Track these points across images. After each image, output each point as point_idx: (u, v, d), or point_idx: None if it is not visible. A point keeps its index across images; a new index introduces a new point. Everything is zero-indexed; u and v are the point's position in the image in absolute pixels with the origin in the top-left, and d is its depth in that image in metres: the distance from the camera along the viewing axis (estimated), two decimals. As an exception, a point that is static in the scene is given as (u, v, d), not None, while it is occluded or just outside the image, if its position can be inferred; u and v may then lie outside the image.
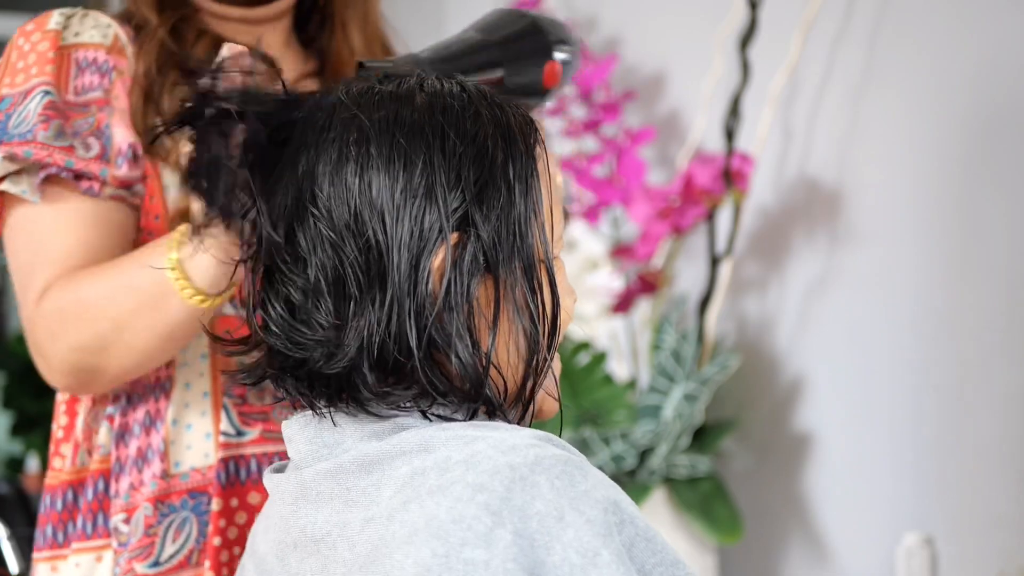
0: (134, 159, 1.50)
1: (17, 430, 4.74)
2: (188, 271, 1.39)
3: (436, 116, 1.15)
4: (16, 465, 4.86)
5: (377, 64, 1.35)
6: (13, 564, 1.86)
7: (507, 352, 1.16)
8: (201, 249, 1.34)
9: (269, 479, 1.22)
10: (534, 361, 1.16)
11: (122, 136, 1.50)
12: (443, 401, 1.15)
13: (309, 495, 1.16)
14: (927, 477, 2.47)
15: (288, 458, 1.26)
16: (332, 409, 1.17)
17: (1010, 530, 2.34)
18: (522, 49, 1.39)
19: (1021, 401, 2.34)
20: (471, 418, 1.16)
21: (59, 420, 1.58)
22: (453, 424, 1.14)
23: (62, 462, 1.56)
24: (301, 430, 1.19)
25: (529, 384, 1.17)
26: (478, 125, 1.16)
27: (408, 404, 1.15)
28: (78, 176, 1.47)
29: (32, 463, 4.69)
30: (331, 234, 1.13)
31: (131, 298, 1.42)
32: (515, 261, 1.15)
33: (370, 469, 1.13)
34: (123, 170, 1.49)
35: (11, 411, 4.76)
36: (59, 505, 1.55)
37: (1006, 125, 2.38)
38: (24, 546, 1.78)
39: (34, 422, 4.66)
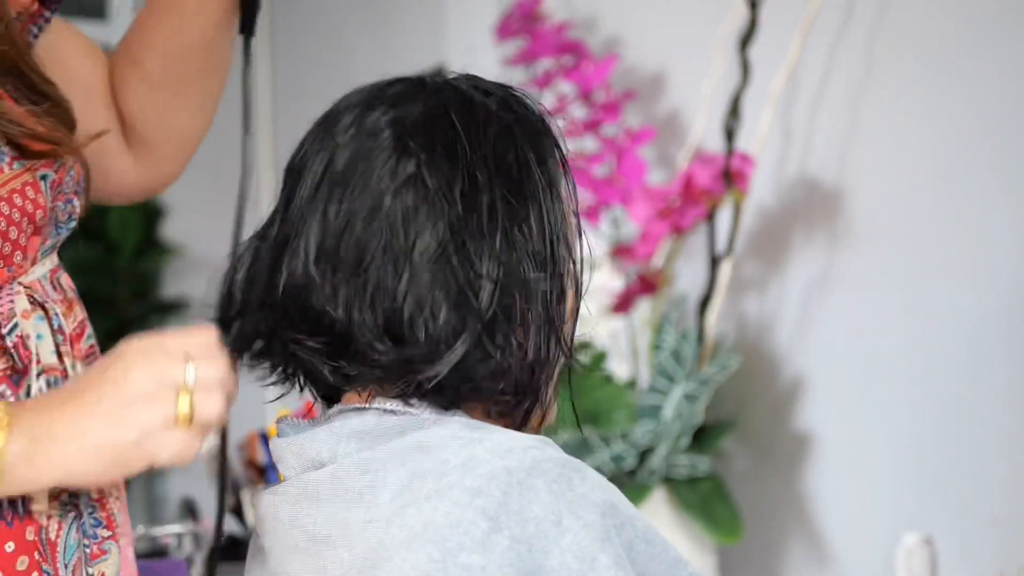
0: None
1: (18, 429, 4.74)
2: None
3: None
4: (17, 464, 4.86)
5: None
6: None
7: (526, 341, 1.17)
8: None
9: (268, 491, 1.21)
10: (548, 356, 1.17)
11: None
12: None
13: (310, 495, 1.15)
14: (927, 477, 2.46)
15: None
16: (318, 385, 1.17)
17: (1010, 530, 2.34)
18: None
19: (1021, 401, 2.34)
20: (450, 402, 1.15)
21: None
22: (450, 421, 1.14)
23: None
24: (287, 446, 1.17)
25: (541, 377, 1.17)
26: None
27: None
28: None
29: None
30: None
31: None
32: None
33: (366, 469, 1.12)
34: None
35: (12, 410, 4.76)
36: None
37: (1005, 124, 2.38)
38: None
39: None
